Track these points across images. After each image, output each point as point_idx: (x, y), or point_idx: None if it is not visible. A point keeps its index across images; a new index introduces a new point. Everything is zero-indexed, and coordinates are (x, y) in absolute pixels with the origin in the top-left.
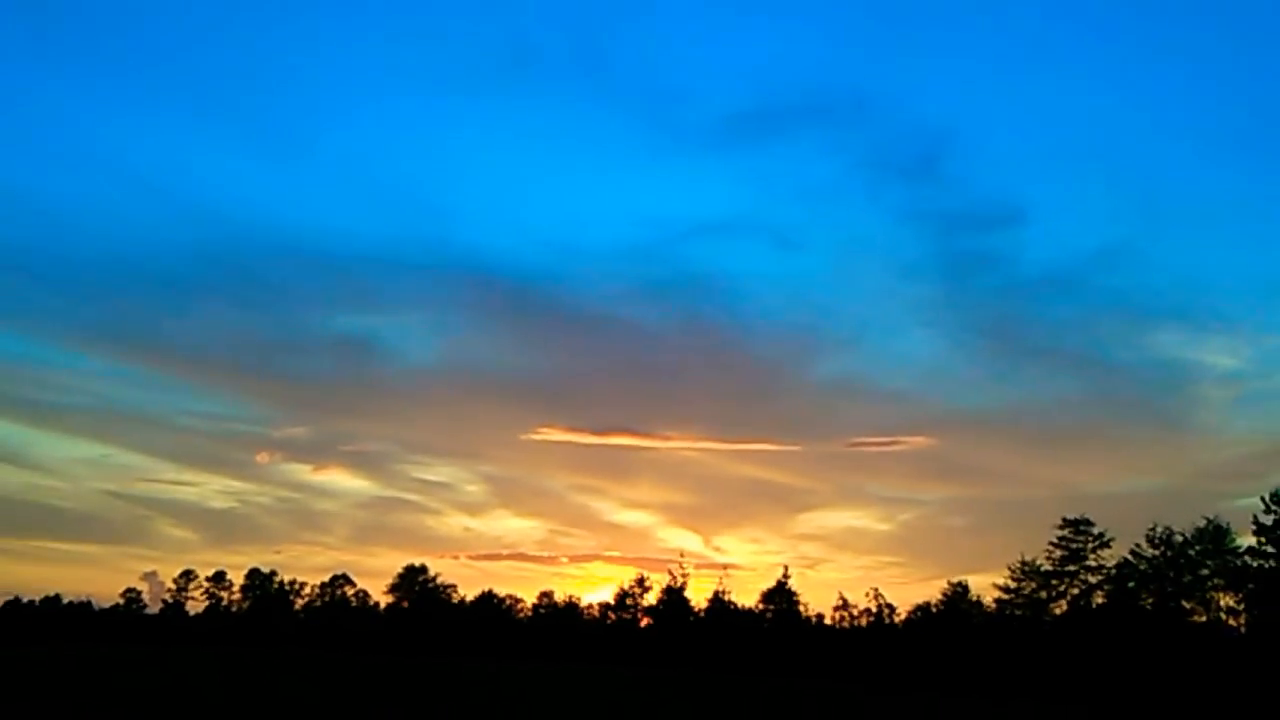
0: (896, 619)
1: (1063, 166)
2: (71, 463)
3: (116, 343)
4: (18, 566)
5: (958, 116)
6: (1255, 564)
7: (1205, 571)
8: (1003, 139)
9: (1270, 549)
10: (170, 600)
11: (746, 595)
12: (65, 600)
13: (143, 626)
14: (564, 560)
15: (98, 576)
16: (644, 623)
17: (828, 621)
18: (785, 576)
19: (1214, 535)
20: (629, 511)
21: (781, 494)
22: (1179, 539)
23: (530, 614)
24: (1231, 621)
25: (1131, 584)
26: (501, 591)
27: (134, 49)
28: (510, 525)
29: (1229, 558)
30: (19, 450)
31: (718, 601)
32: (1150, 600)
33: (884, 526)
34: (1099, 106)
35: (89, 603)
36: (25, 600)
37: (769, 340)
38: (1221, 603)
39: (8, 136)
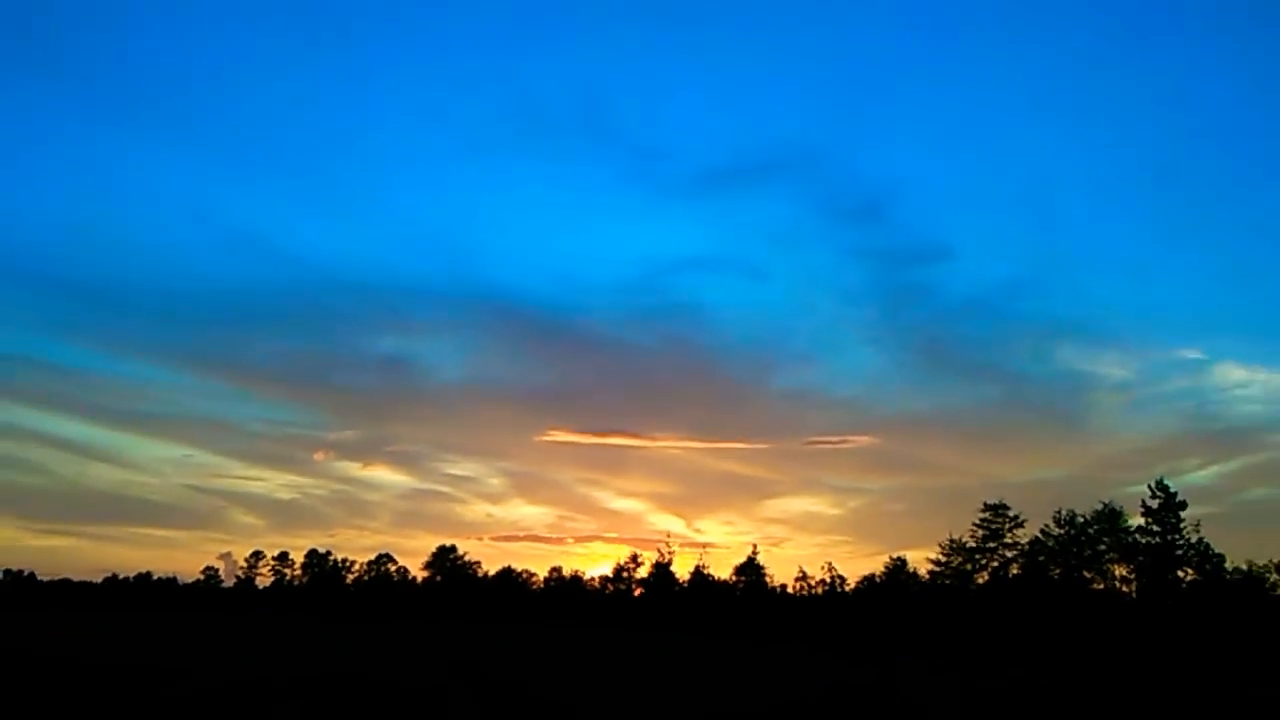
0: (847, 588)
1: (982, 211)
2: (160, 462)
3: (198, 363)
4: (116, 549)
5: (895, 170)
6: (1143, 540)
7: (1102, 547)
8: (932, 189)
9: (1156, 528)
10: (242, 576)
11: (722, 569)
12: (155, 576)
13: (219, 598)
14: (570, 541)
15: (182, 557)
16: (637, 592)
17: (790, 590)
18: (754, 553)
19: (1109, 517)
20: (624, 500)
21: (751, 484)
22: (1080, 520)
23: (542, 586)
24: (1124, 589)
25: (1041, 558)
26: (518, 567)
27: (225, 125)
28: (525, 512)
29: (1122, 535)
30: (117, 452)
31: (698, 574)
32: (1057, 571)
33: (836, 511)
34: (1012, 161)
35: (175, 578)
36: (121, 577)
37: (739, 357)
38: (1116, 573)
39: (126, 198)
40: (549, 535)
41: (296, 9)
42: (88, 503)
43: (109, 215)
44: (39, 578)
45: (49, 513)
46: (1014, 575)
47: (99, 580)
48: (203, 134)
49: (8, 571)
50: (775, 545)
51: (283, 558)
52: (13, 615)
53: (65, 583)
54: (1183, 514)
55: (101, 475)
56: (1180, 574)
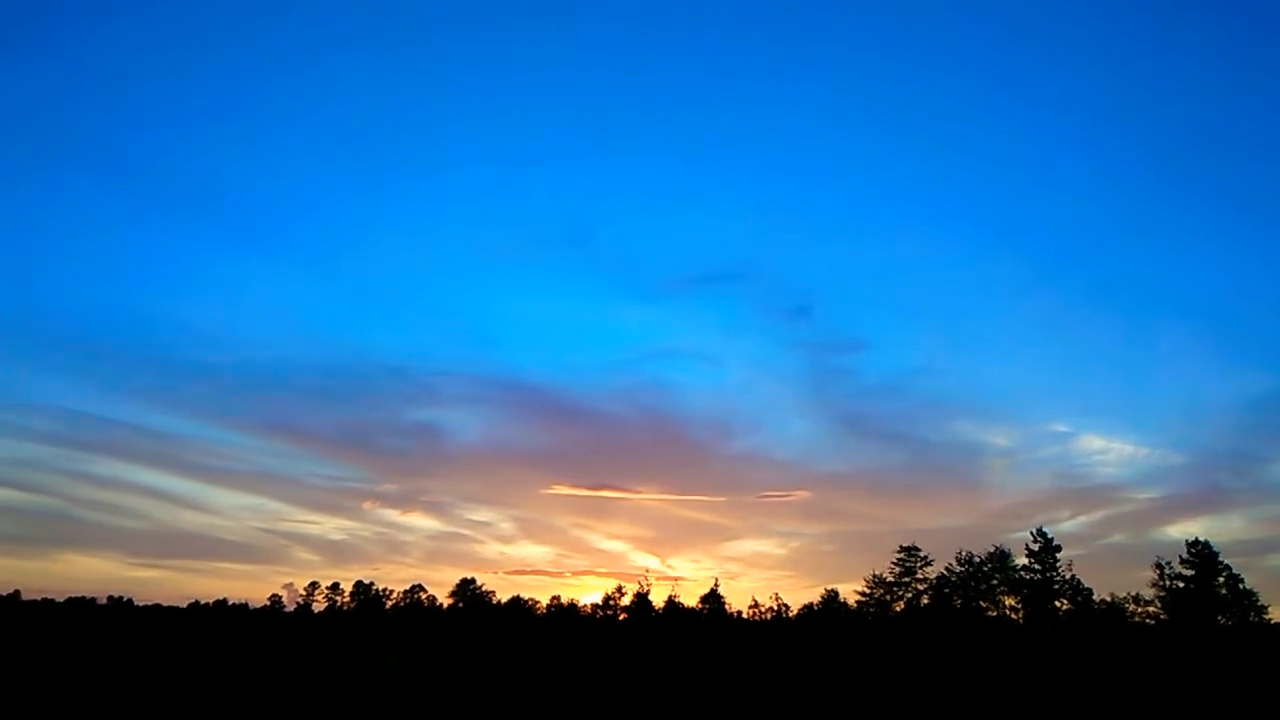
0: (790, 614)
1: (892, 310)
2: (236, 509)
3: (268, 429)
4: (200, 580)
5: (820, 278)
6: (1028, 576)
7: (995, 581)
8: (851, 291)
9: (1037, 566)
10: (301, 602)
11: (690, 598)
12: (230, 603)
13: (282, 620)
14: (568, 575)
15: (253, 587)
16: (621, 617)
17: (745, 615)
18: (716, 585)
19: (1000, 557)
20: (611, 541)
21: (712, 529)
22: (977, 559)
23: (545, 611)
24: (1013, 616)
25: (946, 590)
26: (526, 596)
27: (292, 240)
28: (531, 550)
29: (1010, 572)
30: (201, 500)
31: (671, 603)
32: (959, 601)
33: (780, 551)
34: (917, 269)
35: (246, 604)
36: (203, 602)
37: (701, 425)
38: (1007, 603)
39: (214, 296)
40: (551, 570)
41: (351, 144)
42: (177, 542)
43: (200, 309)
44: (136, 603)
45: (145, 550)
46: (924, 604)
47: (184, 605)
48: (273, 246)
49: (111, 598)
50: (733, 579)
51: (335, 587)
52: (116, 634)
53: (157, 607)
54: (1058, 555)
55: (188, 519)
56: (1058, 604)
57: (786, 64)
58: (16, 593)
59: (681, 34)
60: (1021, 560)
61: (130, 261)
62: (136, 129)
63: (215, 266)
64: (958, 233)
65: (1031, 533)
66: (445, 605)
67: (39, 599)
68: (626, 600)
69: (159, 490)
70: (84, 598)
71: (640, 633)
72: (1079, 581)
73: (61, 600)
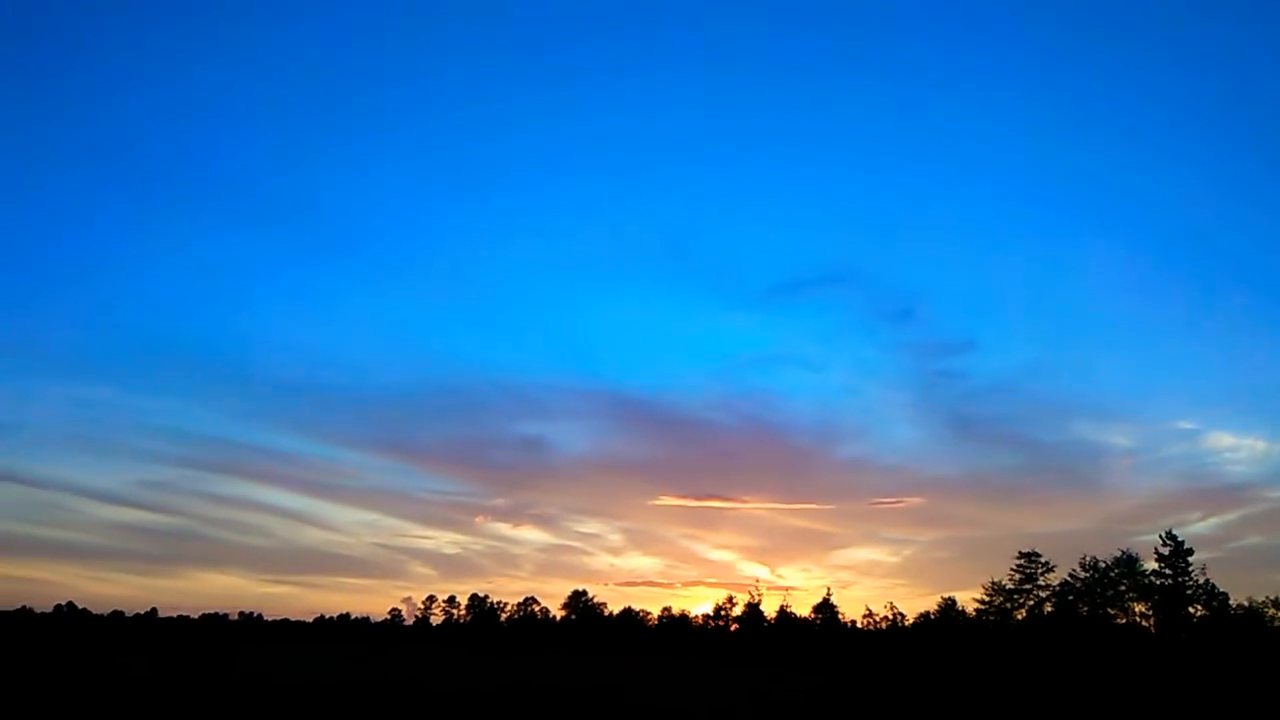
0: (905, 623)
1: (999, 309)
2: (355, 525)
3: (383, 447)
4: (323, 594)
5: (921, 279)
6: (1158, 582)
7: (1123, 588)
8: (955, 292)
9: (1168, 571)
10: (420, 616)
11: (802, 607)
12: (353, 616)
13: (402, 634)
14: (677, 585)
15: (372, 600)
16: (733, 628)
17: (859, 625)
18: (828, 594)
19: (1127, 562)
20: (719, 551)
21: (821, 538)
22: (1102, 565)
23: (656, 622)
24: (1143, 623)
25: (1070, 597)
26: (636, 607)
27: (405, 265)
28: (640, 562)
29: (1139, 578)
30: (322, 517)
31: (783, 613)
32: (1085, 608)
33: (893, 559)
34: (1024, 262)
35: (368, 618)
36: (327, 616)
37: (806, 433)
38: (1136, 610)
39: (329, 322)
40: (660, 580)
41: (453, 162)
42: (301, 558)
43: (311, 330)
44: (265, 618)
45: (272, 566)
46: (1048, 612)
47: (310, 620)
48: (379, 267)
49: (242, 613)
50: (844, 587)
51: (451, 601)
52: (250, 649)
53: (285, 621)
54: (1190, 559)
55: (311, 536)
56: (1191, 610)
57: (884, 66)
58: (153, 610)
59: (776, 39)
60: (1150, 565)
61: (245, 286)
62: (250, 158)
63: (325, 288)
64: (1065, 226)
65: (1160, 536)
66: (558, 617)
67: (174, 616)
68: (738, 610)
69: (281, 508)
70: (217, 614)
71: (753, 643)
72: (1213, 586)
73: (196, 617)
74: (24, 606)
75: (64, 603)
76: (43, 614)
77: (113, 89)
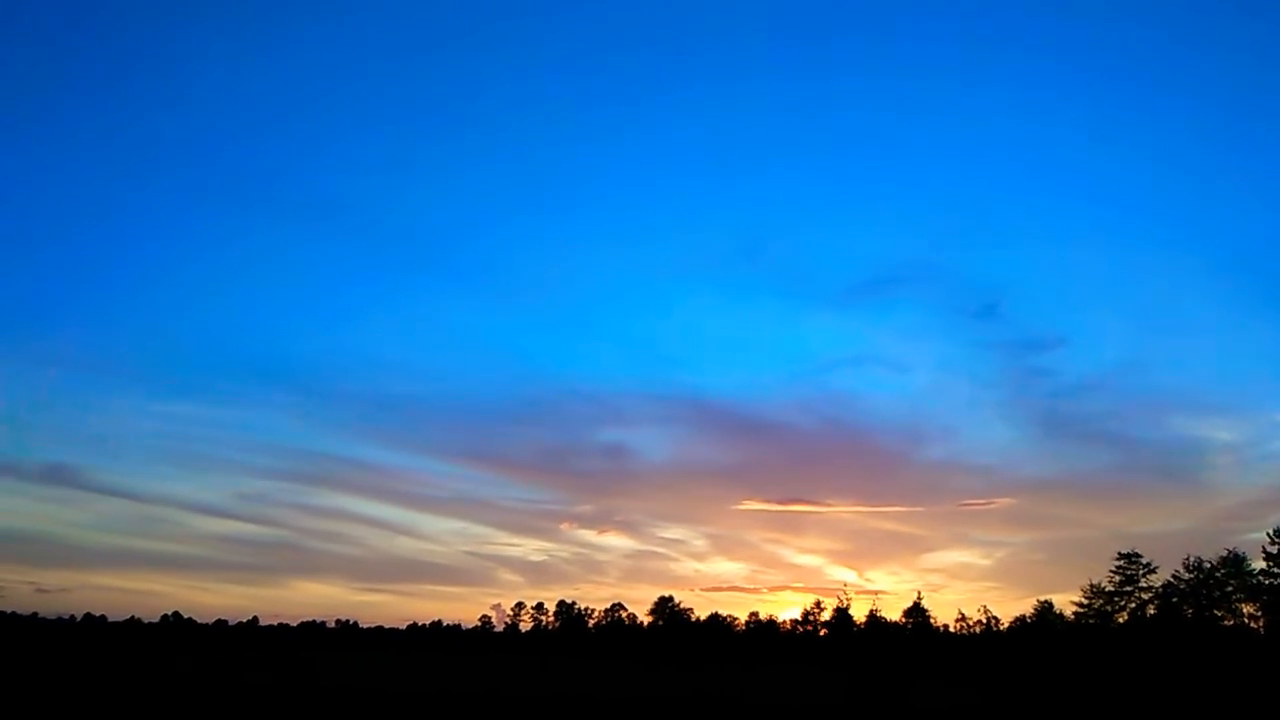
0: (1000, 627)
1: (1090, 303)
2: (445, 534)
3: (470, 458)
4: (415, 602)
5: (1004, 275)
6: (1267, 581)
7: (1230, 588)
8: (1041, 287)
9: (1276, 569)
10: (509, 622)
11: (892, 612)
12: (444, 623)
13: (494, 640)
14: (764, 590)
15: (463, 608)
16: (822, 633)
17: (952, 630)
18: (919, 598)
19: (1234, 561)
20: (805, 555)
21: (911, 541)
22: (1207, 565)
23: (743, 628)
24: (1253, 625)
25: (1174, 599)
26: (723, 613)
27: (489, 280)
28: (725, 567)
29: (1247, 577)
30: (412, 527)
31: (873, 617)
32: (1190, 611)
33: (985, 562)
34: (1112, 259)
35: (459, 625)
36: (420, 624)
37: (890, 434)
38: (1245, 611)
39: (418, 337)
40: (746, 586)
41: (531, 172)
42: (394, 567)
43: (405, 348)
44: (360, 625)
45: (366, 575)
46: (1151, 615)
47: (404, 627)
48: (462, 278)
49: (338, 620)
50: (935, 591)
51: (539, 607)
52: (343, 654)
53: (380, 629)
54: None
55: (403, 545)
56: None
57: (962, 65)
58: (255, 619)
59: (854, 39)
60: (1258, 564)
61: (338, 303)
62: (341, 173)
63: (413, 301)
64: (1154, 204)
65: (1268, 534)
66: (646, 623)
67: (275, 624)
68: (826, 615)
69: (374, 518)
70: (315, 621)
71: (843, 648)
72: None
73: (295, 625)
74: (133, 617)
75: (170, 612)
76: (150, 624)
77: (206, 103)
